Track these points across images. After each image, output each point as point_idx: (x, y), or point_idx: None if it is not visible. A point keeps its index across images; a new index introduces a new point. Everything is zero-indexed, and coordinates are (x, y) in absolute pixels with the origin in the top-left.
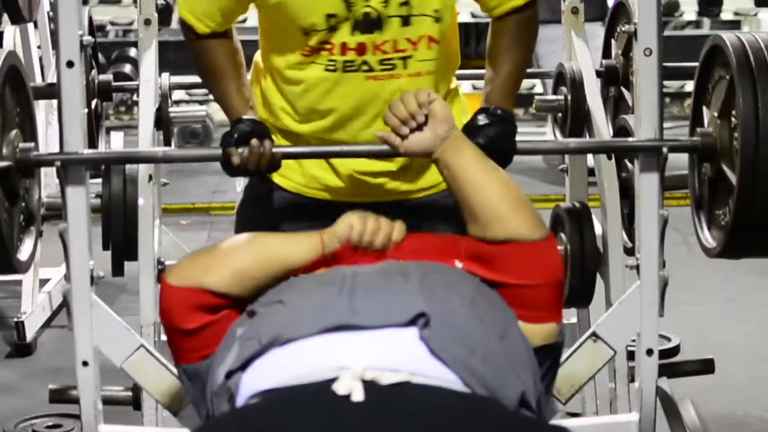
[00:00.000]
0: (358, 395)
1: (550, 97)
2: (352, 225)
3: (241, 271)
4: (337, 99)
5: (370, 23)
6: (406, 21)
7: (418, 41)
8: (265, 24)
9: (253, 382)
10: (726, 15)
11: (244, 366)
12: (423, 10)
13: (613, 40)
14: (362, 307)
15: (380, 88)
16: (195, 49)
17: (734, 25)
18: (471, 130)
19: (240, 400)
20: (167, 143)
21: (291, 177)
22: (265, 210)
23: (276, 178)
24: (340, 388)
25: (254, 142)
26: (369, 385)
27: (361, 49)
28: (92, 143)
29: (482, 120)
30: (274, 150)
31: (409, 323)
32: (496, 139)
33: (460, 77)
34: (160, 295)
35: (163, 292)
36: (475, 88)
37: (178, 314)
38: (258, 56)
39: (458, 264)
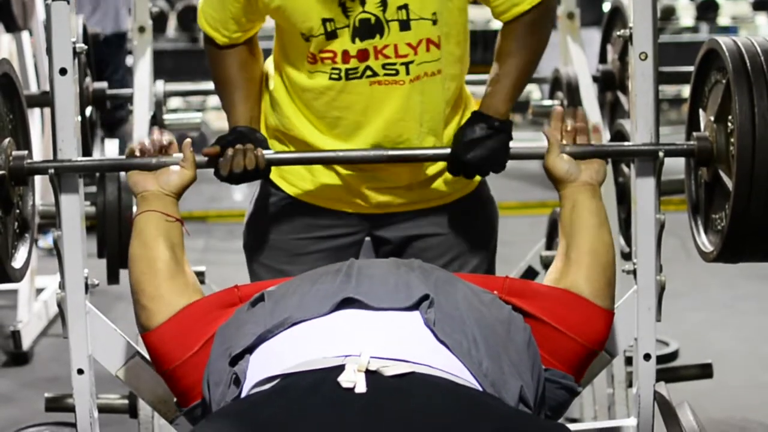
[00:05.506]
0: (361, 387)
1: (547, 102)
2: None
3: (157, 293)
4: (343, 107)
5: (370, 28)
6: (405, 25)
7: (418, 45)
8: (277, 30)
9: (261, 365)
10: (723, 20)
11: (251, 349)
12: (421, 14)
13: (609, 45)
14: (369, 291)
15: (385, 94)
16: (210, 57)
17: (732, 30)
18: (470, 141)
19: (247, 385)
20: None
21: (300, 185)
22: (275, 221)
23: (286, 187)
24: (344, 381)
25: (238, 145)
26: (373, 377)
27: (363, 55)
28: (87, 151)
29: (479, 132)
30: (264, 153)
31: (413, 306)
32: (493, 152)
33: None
34: (147, 347)
35: (146, 342)
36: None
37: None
38: (269, 63)
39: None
